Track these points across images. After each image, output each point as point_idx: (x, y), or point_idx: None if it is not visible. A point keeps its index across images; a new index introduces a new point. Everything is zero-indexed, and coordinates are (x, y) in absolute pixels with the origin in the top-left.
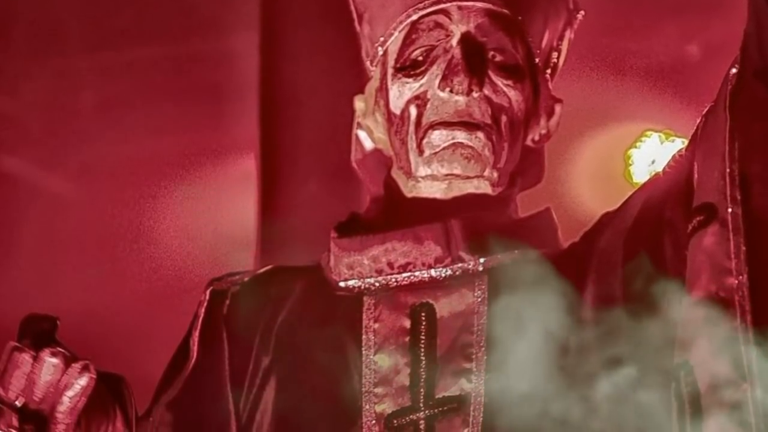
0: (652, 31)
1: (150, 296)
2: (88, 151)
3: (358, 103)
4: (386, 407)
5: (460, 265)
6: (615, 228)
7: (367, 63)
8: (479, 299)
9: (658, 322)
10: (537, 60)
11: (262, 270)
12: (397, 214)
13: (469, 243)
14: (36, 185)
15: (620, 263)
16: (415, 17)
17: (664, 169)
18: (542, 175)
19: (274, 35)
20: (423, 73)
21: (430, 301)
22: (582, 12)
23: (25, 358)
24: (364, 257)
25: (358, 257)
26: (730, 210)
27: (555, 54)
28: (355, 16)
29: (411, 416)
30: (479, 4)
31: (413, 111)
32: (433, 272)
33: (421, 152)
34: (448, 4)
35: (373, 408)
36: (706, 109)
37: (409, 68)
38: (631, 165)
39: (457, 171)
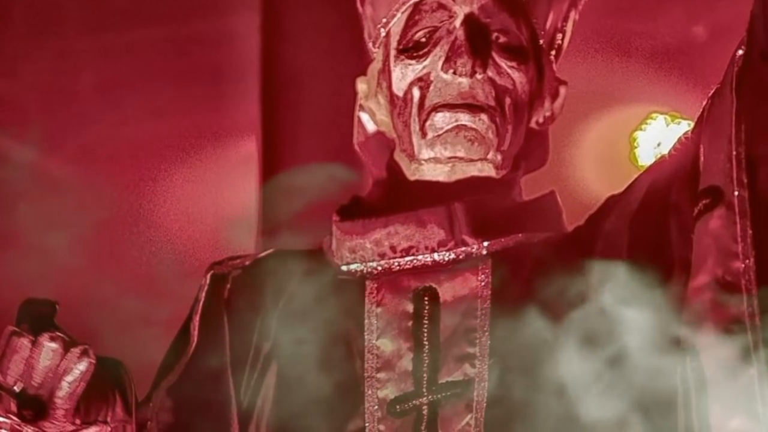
0: (657, 12)
1: (150, 280)
2: (87, 133)
3: (361, 85)
4: (389, 392)
5: (463, 248)
6: (620, 211)
7: (370, 44)
8: (483, 283)
9: (662, 306)
10: (541, 41)
11: (263, 254)
12: (400, 197)
13: (472, 226)
14: (34, 168)
15: (625, 247)
16: None
17: (669, 151)
18: (546, 157)
19: (276, 16)
20: (426, 54)
21: (434, 285)
22: None
23: (24, 342)
24: (366, 241)
25: (360, 241)
26: (736, 193)
27: (559, 35)
28: None
29: (414, 401)
30: None
31: (416, 93)
32: (436, 256)
33: (424, 135)
34: None
35: (376, 393)
36: (712, 91)
37: (411, 50)
38: (636, 147)
39: (460, 154)
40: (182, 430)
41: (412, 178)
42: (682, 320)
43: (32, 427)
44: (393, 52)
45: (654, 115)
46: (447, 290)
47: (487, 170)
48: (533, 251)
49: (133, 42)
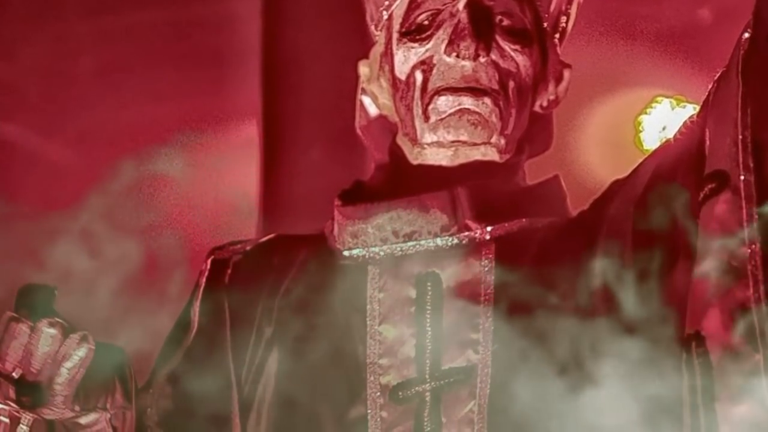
0: None
1: (150, 265)
2: (86, 117)
3: (363, 69)
4: (391, 379)
5: (466, 233)
6: (625, 196)
7: (372, 27)
8: (486, 268)
9: (667, 291)
10: (545, 24)
11: (264, 239)
12: (403, 181)
13: (475, 211)
14: (34, 152)
15: (630, 231)
16: None
17: (675, 135)
18: (551, 141)
19: None
20: (429, 37)
21: (436, 271)
22: None
23: (23, 328)
24: (368, 226)
25: (362, 226)
26: (742, 177)
27: (564, 18)
28: None
29: (417, 388)
30: None
31: (419, 76)
32: (439, 241)
33: (426, 118)
34: None
35: (378, 380)
36: (718, 75)
37: (414, 33)
38: (641, 131)
39: (463, 137)
40: (182, 417)
41: (414, 162)
42: (688, 306)
43: (31, 414)
44: (395, 35)
45: (659, 98)
46: (450, 276)
47: (491, 154)
48: (537, 236)
49: (133, 25)
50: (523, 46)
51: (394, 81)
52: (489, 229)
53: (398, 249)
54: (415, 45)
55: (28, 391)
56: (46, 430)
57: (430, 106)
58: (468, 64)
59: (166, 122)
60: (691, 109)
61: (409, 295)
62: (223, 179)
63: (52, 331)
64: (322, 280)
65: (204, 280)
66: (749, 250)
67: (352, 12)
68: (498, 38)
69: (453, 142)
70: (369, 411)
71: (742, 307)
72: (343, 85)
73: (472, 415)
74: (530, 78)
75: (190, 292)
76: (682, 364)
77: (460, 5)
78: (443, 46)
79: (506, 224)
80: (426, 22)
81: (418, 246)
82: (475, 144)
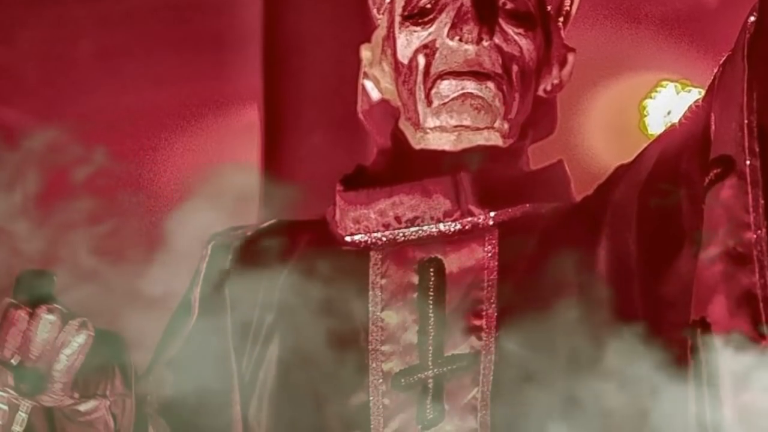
0: None
1: (150, 251)
2: (86, 102)
3: (365, 52)
4: (393, 366)
5: (469, 219)
6: (629, 181)
7: (374, 11)
8: (489, 254)
9: (672, 278)
10: (549, 8)
11: (265, 224)
12: (405, 166)
13: (479, 196)
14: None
15: (635, 217)
16: None
17: (680, 120)
18: (554, 126)
19: None
20: (431, 21)
21: (439, 257)
22: None
23: (21, 315)
24: (370, 211)
25: (364, 211)
26: (748, 162)
27: (568, 1)
28: None
29: (419, 375)
30: None
31: (421, 60)
32: (441, 226)
33: (429, 103)
34: None
35: (380, 366)
36: (723, 59)
37: (417, 16)
38: (646, 116)
39: (466, 122)
40: (182, 405)
41: (417, 147)
42: (693, 292)
43: (30, 401)
44: (398, 19)
45: (664, 82)
46: (453, 261)
47: (494, 139)
48: (541, 221)
49: (133, 9)
50: (527, 29)
51: (397, 65)
52: (492, 214)
53: (400, 234)
54: (418, 29)
55: (27, 378)
56: (44, 417)
57: (433, 91)
58: (471, 48)
59: (166, 107)
60: (696, 94)
61: (411, 280)
62: (224, 164)
63: (51, 317)
64: (323, 265)
65: (204, 265)
66: (755, 236)
67: None
68: (501, 22)
69: (456, 126)
70: (371, 398)
71: (748, 293)
72: (344, 69)
73: (475, 402)
74: (534, 62)
75: (190, 278)
76: (687, 351)
77: None
78: (446, 30)
79: (510, 209)
80: (428, 6)
81: (420, 231)
82: (478, 128)
